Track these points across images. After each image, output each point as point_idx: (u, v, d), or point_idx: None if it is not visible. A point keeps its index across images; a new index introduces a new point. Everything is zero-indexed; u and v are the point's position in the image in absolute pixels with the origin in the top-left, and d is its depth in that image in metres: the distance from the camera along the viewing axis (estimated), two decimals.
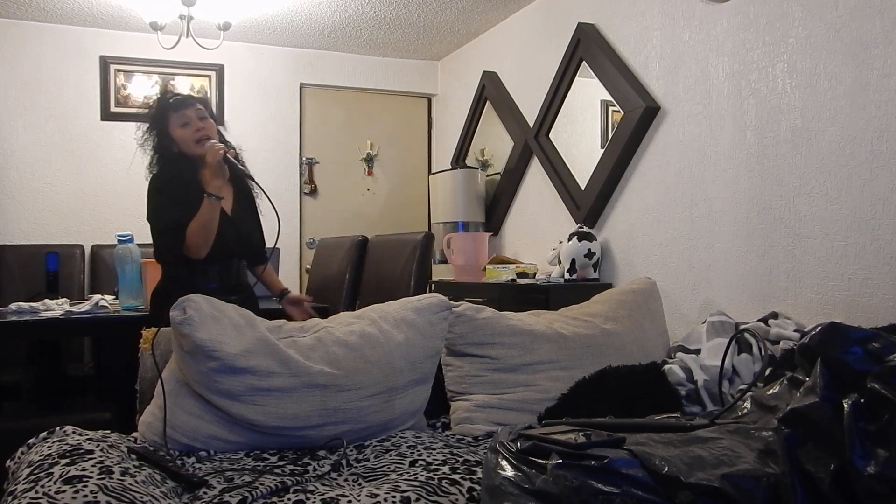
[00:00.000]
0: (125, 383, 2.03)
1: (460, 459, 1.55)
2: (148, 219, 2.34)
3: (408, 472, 1.49)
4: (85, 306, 2.76)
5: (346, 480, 1.53)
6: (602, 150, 3.35)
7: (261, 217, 2.51)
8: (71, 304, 2.85)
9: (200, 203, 2.20)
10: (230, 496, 1.36)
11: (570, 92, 3.60)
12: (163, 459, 1.55)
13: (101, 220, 4.36)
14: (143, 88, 4.50)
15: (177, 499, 1.39)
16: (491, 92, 4.32)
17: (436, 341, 1.91)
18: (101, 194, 4.40)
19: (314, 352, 1.77)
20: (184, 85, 4.58)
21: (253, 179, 2.36)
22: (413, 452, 1.64)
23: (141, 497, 1.27)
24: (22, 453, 1.56)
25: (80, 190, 4.35)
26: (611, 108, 3.34)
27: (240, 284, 2.41)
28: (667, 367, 2.07)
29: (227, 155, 2.23)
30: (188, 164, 2.31)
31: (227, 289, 2.30)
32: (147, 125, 2.37)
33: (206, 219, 2.20)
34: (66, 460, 1.38)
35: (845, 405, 1.03)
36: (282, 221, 5.10)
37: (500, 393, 1.97)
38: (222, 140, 2.38)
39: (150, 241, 4.20)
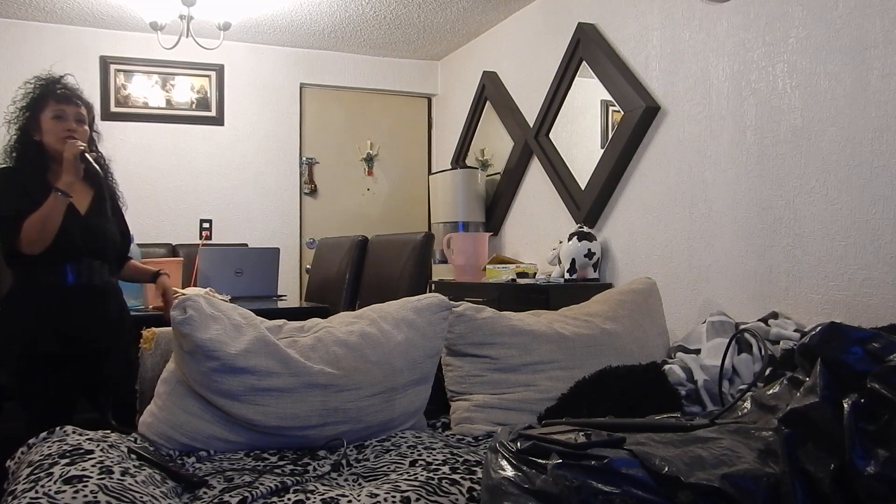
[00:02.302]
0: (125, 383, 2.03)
1: (460, 459, 1.55)
2: None
3: (408, 472, 1.49)
4: None
5: (346, 480, 1.53)
6: (602, 150, 3.35)
7: (126, 219, 2.41)
8: None
9: (44, 198, 2.07)
10: (230, 496, 1.36)
11: (570, 92, 3.60)
12: (163, 459, 1.55)
13: None
14: (143, 88, 4.50)
15: (177, 499, 1.39)
16: (491, 92, 4.32)
17: (436, 341, 1.91)
18: None
19: (314, 352, 1.77)
20: (184, 85, 4.58)
21: (107, 182, 2.27)
22: (413, 452, 1.64)
23: (141, 497, 1.27)
24: (22, 453, 1.56)
25: None
26: (611, 108, 3.34)
27: (104, 284, 2.24)
28: (667, 367, 2.07)
29: (86, 154, 2.13)
30: (41, 158, 2.18)
31: (86, 288, 2.16)
32: (21, 102, 2.22)
33: (46, 213, 2.04)
34: (66, 460, 1.38)
35: (845, 405, 1.03)
36: (282, 221, 5.09)
37: (500, 393, 1.97)
38: (93, 148, 2.28)
39: (149, 241, 4.20)
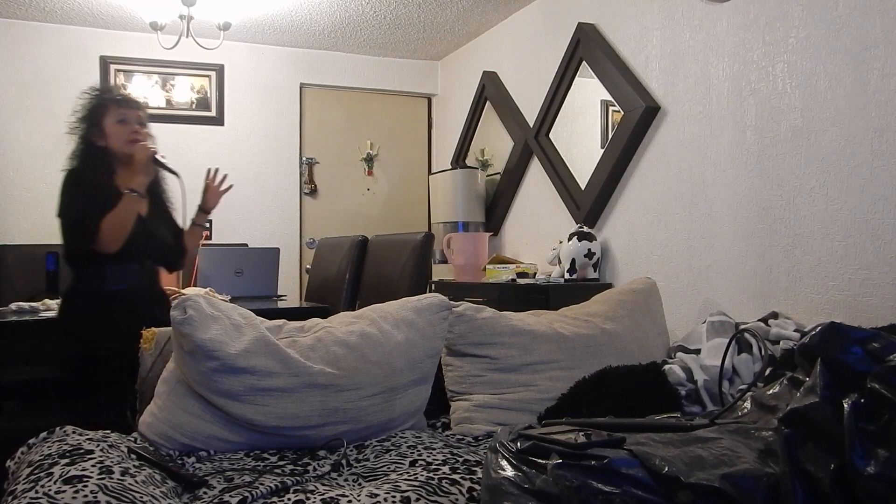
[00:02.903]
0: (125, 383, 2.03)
1: (460, 459, 1.55)
2: (59, 214, 2.25)
3: (408, 472, 1.49)
4: None
5: (346, 480, 1.53)
6: (602, 150, 3.35)
7: (181, 226, 2.49)
8: None
9: (113, 200, 2.16)
10: (230, 496, 1.36)
11: (570, 92, 3.60)
12: (163, 459, 1.55)
13: None
14: (143, 88, 4.50)
15: (177, 499, 1.39)
16: (491, 92, 4.32)
17: (436, 341, 1.91)
18: None
19: (314, 352, 1.77)
20: (184, 85, 4.58)
21: (177, 175, 2.37)
22: (413, 452, 1.64)
23: (141, 497, 1.27)
24: (22, 453, 1.56)
25: None
26: (611, 108, 3.34)
27: (153, 289, 2.34)
28: (667, 367, 2.07)
29: (157, 156, 2.24)
30: (107, 162, 2.27)
31: (139, 291, 2.24)
32: (81, 113, 2.33)
33: (124, 212, 2.17)
34: (66, 460, 1.38)
35: (845, 405, 1.03)
36: (282, 221, 5.10)
37: (500, 393, 1.97)
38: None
39: None
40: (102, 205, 2.16)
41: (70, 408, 2.24)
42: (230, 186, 2.56)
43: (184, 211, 2.42)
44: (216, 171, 2.55)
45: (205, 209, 2.56)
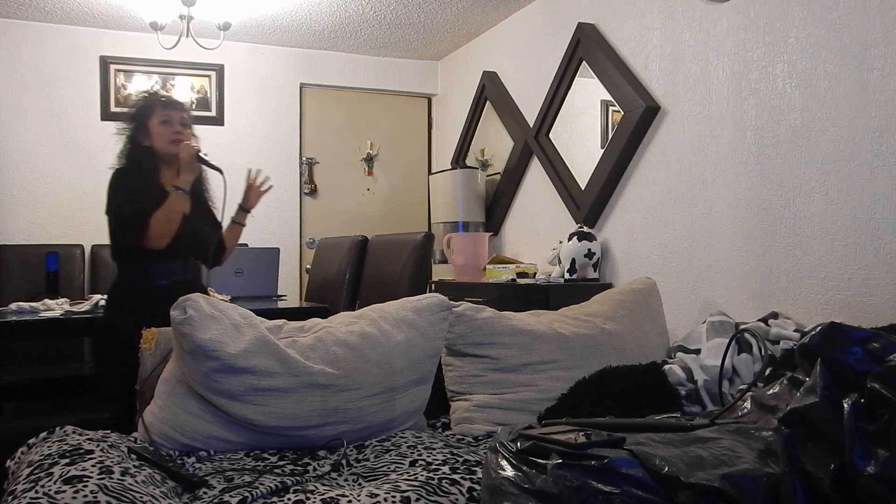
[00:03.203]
0: (125, 383, 2.03)
1: (460, 459, 1.55)
2: (107, 212, 2.36)
3: (408, 472, 1.49)
4: (85, 306, 2.76)
5: (346, 480, 1.53)
6: (602, 150, 3.35)
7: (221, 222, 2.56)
8: (71, 304, 2.85)
9: (160, 198, 2.26)
10: (230, 496, 1.36)
11: (570, 92, 3.60)
12: (163, 459, 1.55)
13: (101, 220, 4.30)
14: (143, 88, 4.50)
15: (177, 499, 1.39)
16: (491, 92, 4.32)
17: (436, 341, 1.91)
18: (101, 194, 4.29)
19: (314, 352, 1.77)
20: (184, 85, 4.58)
21: (221, 171, 2.44)
22: (413, 452, 1.64)
23: (141, 497, 1.27)
24: (22, 453, 1.56)
25: (80, 190, 4.34)
26: (611, 108, 3.34)
27: (196, 284, 2.40)
28: (667, 367, 2.07)
29: (201, 154, 2.34)
30: (153, 161, 2.36)
31: (183, 287, 2.26)
32: (129, 114, 2.44)
33: (171, 209, 2.26)
34: (66, 460, 1.38)
35: (845, 405, 1.03)
36: (282, 221, 5.09)
37: (500, 393, 1.97)
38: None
39: None
40: (150, 202, 2.26)
41: (109, 402, 2.33)
42: (271, 186, 2.64)
43: (224, 207, 2.49)
44: (258, 171, 2.63)
45: (245, 208, 2.62)
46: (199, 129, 4.63)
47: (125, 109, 4.38)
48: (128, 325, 2.10)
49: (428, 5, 4.03)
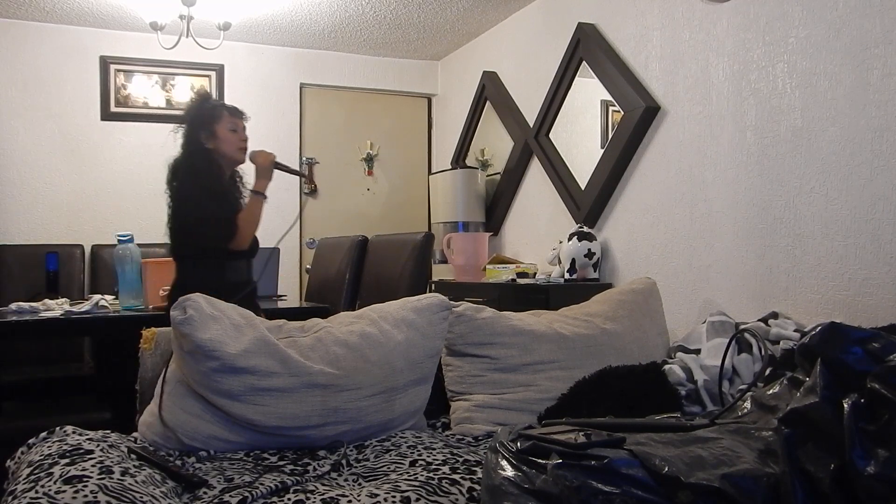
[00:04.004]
0: (125, 383, 2.03)
1: (460, 459, 1.55)
2: (182, 211, 2.43)
3: (408, 472, 1.49)
4: (85, 306, 2.76)
5: (346, 480, 1.53)
6: (602, 150, 3.35)
7: None
8: (71, 304, 2.85)
9: (239, 201, 2.42)
10: (230, 496, 1.36)
11: (570, 92, 3.60)
12: (163, 459, 1.55)
13: (101, 220, 4.36)
14: (143, 88, 4.50)
15: (177, 499, 1.39)
16: (491, 92, 4.32)
17: (436, 341, 1.91)
18: (101, 194, 4.40)
19: (314, 352, 1.77)
20: (184, 85, 4.58)
21: (304, 176, 2.62)
22: (413, 452, 1.64)
23: (141, 497, 1.27)
24: (22, 453, 1.56)
25: (80, 190, 4.35)
26: (611, 108, 3.34)
27: (251, 279, 2.57)
28: (667, 367, 2.07)
29: (277, 160, 2.52)
30: (218, 164, 2.48)
31: (247, 284, 2.47)
32: (192, 116, 2.52)
33: (255, 213, 2.44)
34: (66, 460, 1.38)
35: (845, 405, 1.03)
36: (282, 221, 5.10)
37: (500, 393, 1.97)
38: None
39: (149, 241, 4.21)
40: (232, 203, 2.43)
41: None
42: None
43: (299, 216, 2.64)
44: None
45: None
46: None
47: (133, 110, 4.45)
48: None
49: (428, 5, 4.03)
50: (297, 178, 2.77)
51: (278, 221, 4.78)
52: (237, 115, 2.56)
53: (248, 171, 2.64)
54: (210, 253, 2.42)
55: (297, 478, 1.49)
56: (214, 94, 4.61)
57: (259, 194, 2.46)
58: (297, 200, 4.85)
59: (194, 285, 2.35)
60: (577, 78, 3.55)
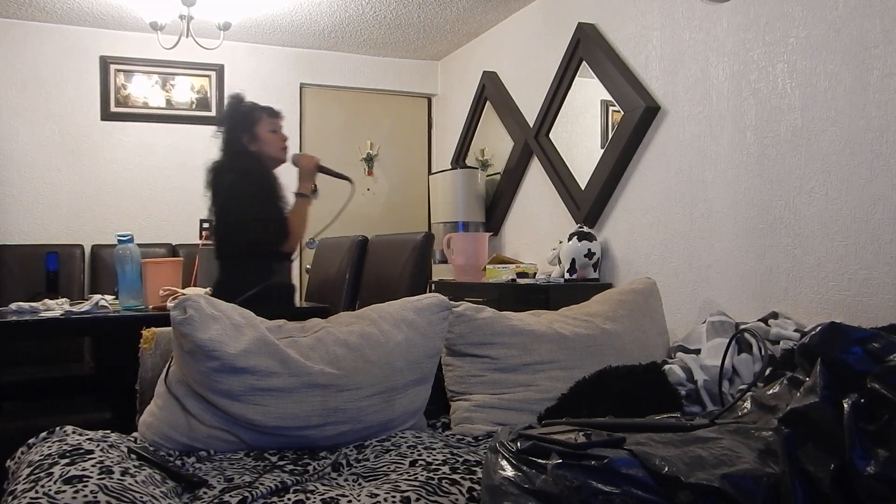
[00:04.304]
0: (125, 383, 2.03)
1: (460, 459, 1.55)
2: (234, 212, 2.46)
3: (408, 472, 1.49)
4: (85, 306, 2.76)
5: (346, 480, 1.53)
6: (602, 150, 3.35)
7: None
8: (71, 304, 2.84)
9: (286, 202, 2.46)
10: (230, 496, 1.36)
11: (570, 92, 3.60)
12: (163, 459, 1.55)
13: (101, 220, 4.36)
14: (143, 88, 4.50)
15: (177, 499, 1.39)
16: (491, 92, 4.32)
17: (436, 341, 1.91)
18: (101, 194, 4.40)
19: (314, 352, 1.77)
20: (184, 85, 4.58)
21: (350, 180, 2.71)
22: (413, 452, 1.64)
23: (141, 497, 1.27)
24: (22, 453, 1.56)
25: (80, 190, 4.35)
26: (611, 108, 3.34)
27: (291, 280, 2.65)
28: (667, 367, 2.07)
29: (321, 164, 2.55)
30: (266, 165, 2.51)
31: (289, 285, 2.54)
32: (232, 118, 2.55)
33: (303, 215, 2.50)
34: (66, 460, 1.38)
35: (845, 405, 1.03)
36: None
37: (500, 393, 1.96)
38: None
39: (149, 241, 4.21)
40: (282, 204, 2.47)
41: None
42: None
43: (340, 213, 2.72)
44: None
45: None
46: (198, 130, 4.68)
47: (133, 110, 4.44)
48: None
49: (428, 5, 4.02)
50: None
51: None
52: (275, 115, 2.59)
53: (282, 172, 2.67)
54: (260, 254, 2.45)
55: (297, 478, 1.49)
56: (214, 94, 4.62)
57: (304, 196, 2.51)
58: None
59: (240, 286, 2.42)
60: (577, 78, 3.55)
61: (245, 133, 2.51)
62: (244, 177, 2.46)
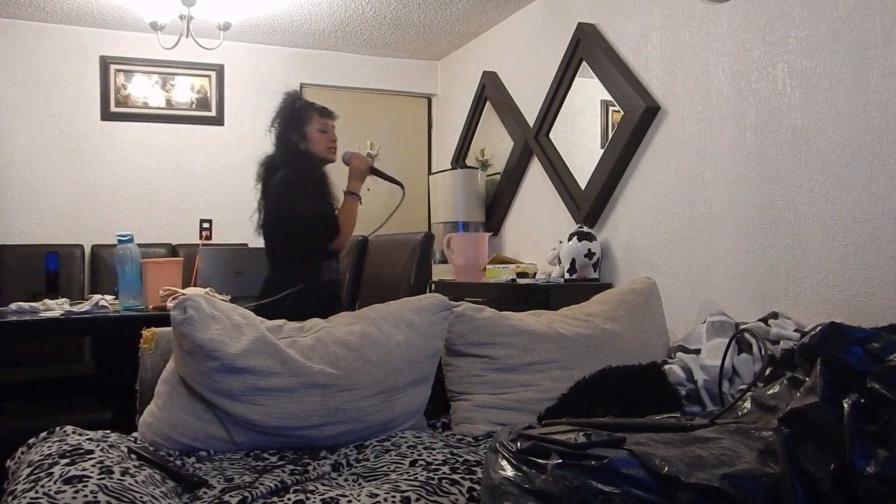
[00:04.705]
0: (125, 383, 2.03)
1: (460, 459, 1.55)
2: (286, 209, 2.50)
3: (408, 472, 1.49)
4: (85, 306, 2.76)
5: (346, 480, 1.53)
6: (602, 150, 3.35)
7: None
8: (71, 304, 2.84)
9: (336, 200, 2.49)
10: (230, 496, 1.36)
11: (570, 92, 3.60)
12: (163, 459, 1.55)
13: (101, 220, 4.36)
14: (143, 88, 4.50)
15: (177, 499, 1.39)
16: (491, 92, 4.32)
17: (436, 341, 1.91)
18: (101, 194, 4.40)
19: (314, 352, 1.77)
20: (184, 85, 4.58)
21: (401, 185, 2.74)
22: (413, 452, 1.64)
23: (141, 497, 1.27)
24: (22, 453, 1.56)
25: (80, 190, 4.35)
26: (611, 108, 3.34)
27: (339, 278, 2.69)
28: (667, 367, 2.07)
29: (374, 167, 2.56)
30: (314, 165, 2.54)
31: (338, 283, 2.57)
32: (284, 117, 2.59)
33: (352, 213, 2.53)
34: (66, 460, 1.38)
35: (845, 405, 1.03)
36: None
37: (500, 393, 1.97)
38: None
39: (149, 241, 4.21)
40: (333, 203, 2.52)
41: None
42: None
43: (390, 216, 2.73)
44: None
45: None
46: (198, 130, 4.68)
47: (133, 110, 4.45)
48: (303, 317, 2.19)
49: (428, 5, 4.02)
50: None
51: None
52: (326, 115, 2.60)
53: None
54: (310, 251, 2.50)
55: (297, 478, 1.49)
56: (214, 94, 4.62)
57: (354, 195, 2.53)
58: None
59: (290, 284, 2.47)
60: (577, 78, 3.55)
61: (295, 131, 2.55)
62: (294, 174, 2.51)
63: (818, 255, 2.31)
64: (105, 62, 4.40)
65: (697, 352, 2.20)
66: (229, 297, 2.91)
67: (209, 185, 4.63)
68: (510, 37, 4.22)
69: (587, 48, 3.40)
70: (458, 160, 4.68)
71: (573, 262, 3.20)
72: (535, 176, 3.92)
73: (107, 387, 3.14)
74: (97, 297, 2.90)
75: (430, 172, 5.09)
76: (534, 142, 3.83)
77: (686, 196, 2.86)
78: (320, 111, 2.60)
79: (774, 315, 2.32)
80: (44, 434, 1.60)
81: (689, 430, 1.21)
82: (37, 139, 4.27)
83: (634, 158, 3.15)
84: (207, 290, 2.72)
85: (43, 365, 3.59)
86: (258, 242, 4.57)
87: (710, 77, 2.74)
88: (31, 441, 1.59)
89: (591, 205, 3.34)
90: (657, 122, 3.02)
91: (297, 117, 2.58)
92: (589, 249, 3.20)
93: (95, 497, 1.23)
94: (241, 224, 4.69)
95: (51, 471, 1.33)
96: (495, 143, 4.37)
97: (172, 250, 4.24)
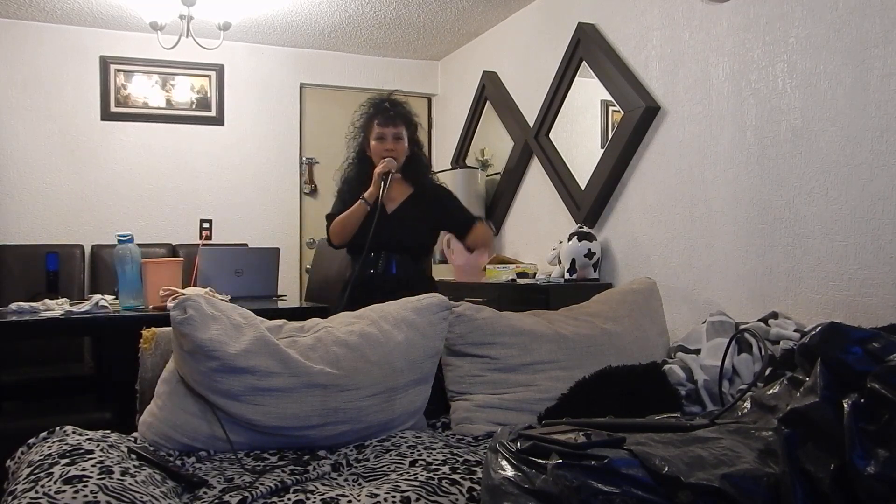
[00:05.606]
0: (125, 383, 2.03)
1: (460, 459, 1.55)
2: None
3: (408, 472, 1.49)
4: (85, 306, 2.76)
5: (346, 480, 1.53)
6: (602, 150, 3.35)
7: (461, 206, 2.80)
8: (71, 304, 2.84)
9: (351, 202, 2.58)
10: (230, 496, 1.36)
11: (570, 92, 3.60)
12: (163, 459, 1.55)
13: (101, 220, 4.36)
14: (143, 88, 4.50)
15: (177, 499, 1.39)
16: (491, 92, 4.32)
17: (436, 341, 1.91)
18: (101, 194, 4.40)
19: (314, 352, 1.77)
20: (184, 85, 4.58)
21: (423, 181, 2.70)
22: (413, 452, 1.64)
23: (141, 497, 1.27)
24: (22, 453, 1.56)
25: (80, 190, 4.35)
26: (611, 108, 3.34)
27: (387, 275, 2.61)
28: (667, 367, 2.07)
29: (391, 172, 2.54)
30: (366, 170, 2.62)
31: (378, 278, 2.57)
32: (359, 123, 2.68)
33: (347, 216, 2.58)
34: (66, 460, 1.38)
35: (845, 405, 1.03)
36: (282, 221, 5.08)
37: (500, 393, 1.97)
38: (418, 159, 2.71)
39: (149, 241, 4.22)
40: (345, 206, 2.61)
41: None
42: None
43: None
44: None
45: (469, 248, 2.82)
46: (198, 130, 4.68)
47: (133, 110, 4.45)
48: (342, 307, 2.30)
49: (428, 5, 4.02)
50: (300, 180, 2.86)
51: (278, 222, 4.80)
52: (387, 120, 2.61)
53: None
54: (349, 246, 2.66)
55: (297, 478, 1.49)
56: (214, 94, 4.62)
57: (361, 199, 2.57)
58: (297, 200, 4.86)
59: (347, 274, 2.68)
60: (577, 78, 3.55)
61: (364, 140, 2.67)
62: (341, 178, 2.73)
63: (818, 255, 2.31)
64: (105, 62, 4.40)
65: (697, 352, 2.20)
66: (229, 297, 2.92)
67: (209, 185, 4.63)
68: (510, 37, 4.22)
69: (587, 48, 3.40)
70: (458, 160, 4.68)
71: (573, 262, 3.20)
72: (535, 176, 3.92)
73: (107, 387, 3.14)
74: (97, 297, 2.90)
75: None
76: (534, 142, 3.82)
77: (686, 196, 2.86)
78: (381, 118, 2.61)
79: (774, 315, 2.32)
80: (44, 434, 1.60)
81: (689, 430, 1.21)
82: (37, 139, 4.26)
83: (634, 158, 3.15)
84: (207, 290, 2.72)
85: (43, 365, 3.59)
86: (258, 242, 4.60)
87: (710, 77, 2.74)
88: (31, 441, 1.59)
89: (591, 205, 3.34)
90: (657, 122, 3.02)
91: (364, 123, 2.68)
92: (589, 249, 3.20)
93: (95, 497, 1.23)
94: (241, 224, 4.70)
95: (51, 471, 1.33)
96: (495, 143, 4.37)
97: (172, 250, 4.24)
